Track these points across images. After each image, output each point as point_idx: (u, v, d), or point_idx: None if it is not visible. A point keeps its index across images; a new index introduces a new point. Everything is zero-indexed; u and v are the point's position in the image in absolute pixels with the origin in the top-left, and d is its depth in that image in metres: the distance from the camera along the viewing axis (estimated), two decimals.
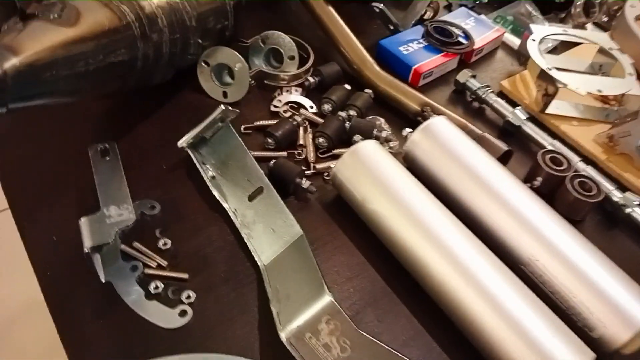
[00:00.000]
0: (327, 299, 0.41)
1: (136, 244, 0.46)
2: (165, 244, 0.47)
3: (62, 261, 0.45)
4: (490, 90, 0.63)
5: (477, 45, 0.70)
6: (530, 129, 0.60)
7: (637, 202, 0.53)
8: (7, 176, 0.52)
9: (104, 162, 0.48)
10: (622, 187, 0.55)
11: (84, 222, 0.42)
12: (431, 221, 0.45)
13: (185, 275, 0.45)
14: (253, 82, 0.61)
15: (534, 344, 0.38)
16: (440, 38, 0.68)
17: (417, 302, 0.45)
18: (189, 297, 0.44)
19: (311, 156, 0.55)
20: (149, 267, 0.45)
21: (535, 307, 0.40)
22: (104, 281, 0.43)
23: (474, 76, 0.65)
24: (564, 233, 0.45)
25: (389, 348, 0.40)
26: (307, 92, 0.63)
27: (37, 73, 0.40)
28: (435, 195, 0.48)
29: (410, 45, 0.68)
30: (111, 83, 0.49)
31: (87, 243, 0.40)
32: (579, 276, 0.43)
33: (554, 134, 0.61)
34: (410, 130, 0.54)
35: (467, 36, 0.70)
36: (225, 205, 0.49)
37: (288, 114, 0.59)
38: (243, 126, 0.58)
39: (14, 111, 0.40)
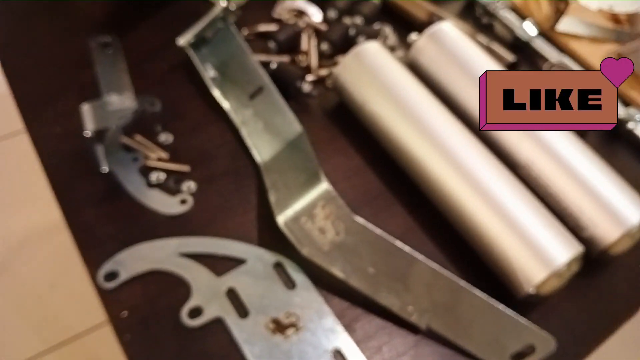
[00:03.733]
0: (323, 185, 0.42)
1: (138, 137, 0.46)
2: (166, 140, 0.48)
3: (67, 151, 0.46)
4: (501, 5, 0.61)
5: None
6: (539, 45, 0.59)
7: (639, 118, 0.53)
8: (14, 79, 0.52)
9: (106, 54, 0.48)
10: (627, 105, 0.55)
11: (86, 108, 0.42)
12: (432, 122, 0.45)
13: (186, 168, 0.46)
14: None
15: (526, 236, 0.39)
16: None
17: (413, 202, 0.46)
18: (189, 187, 0.45)
19: (314, 62, 0.55)
20: (150, 159, 0.46)
21: (528, 204, 0.41)
22: (106, 170, 0.44)
23: None
24: (561, 138, 0.45)
25: (380, 233, 0.41)
26: None
27: None
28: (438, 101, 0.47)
29: None
30: None
31: (89, 126, 0.41)
32: (572, 178, 0.43)
33: (563, 52, 0.59)
34: (417, 36, 0.53)
35: None
36: (225, 104, 0.49)
37: (292, 21, 0.58)
38: (245, 31, 0.57)
39: None
